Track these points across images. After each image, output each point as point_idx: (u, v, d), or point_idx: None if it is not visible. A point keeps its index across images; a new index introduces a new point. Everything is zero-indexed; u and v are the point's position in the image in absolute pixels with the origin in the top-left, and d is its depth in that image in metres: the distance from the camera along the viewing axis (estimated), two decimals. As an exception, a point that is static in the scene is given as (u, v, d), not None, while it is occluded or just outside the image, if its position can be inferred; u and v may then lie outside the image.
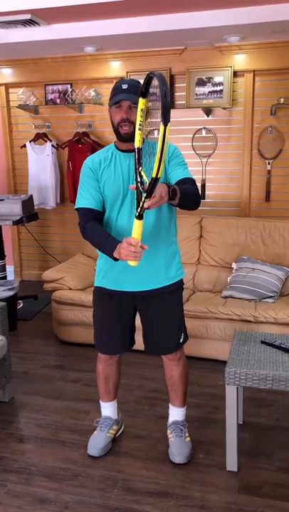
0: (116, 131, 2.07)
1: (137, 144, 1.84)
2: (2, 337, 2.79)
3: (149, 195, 1.75)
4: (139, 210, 1.79)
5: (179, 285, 2.28)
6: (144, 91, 1.80)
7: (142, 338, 2.33)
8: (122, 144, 2.11)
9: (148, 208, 1.78)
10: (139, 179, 1.82)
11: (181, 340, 2.32)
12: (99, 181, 2.14)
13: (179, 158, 2.16)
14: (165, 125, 1.63)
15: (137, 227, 1.82)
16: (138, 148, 1.84)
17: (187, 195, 1.97)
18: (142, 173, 1.82)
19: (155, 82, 1.72)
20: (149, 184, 1.73)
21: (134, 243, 1.82)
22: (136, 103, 1.91)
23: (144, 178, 1.80)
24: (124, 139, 2.05)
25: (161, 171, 1.68)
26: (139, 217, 1.80)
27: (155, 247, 2.12)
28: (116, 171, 2.12)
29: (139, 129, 1.84)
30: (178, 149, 2.19)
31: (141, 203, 1.78)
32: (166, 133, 1.64)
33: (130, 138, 1.98)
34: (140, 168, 1.83)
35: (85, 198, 2.14)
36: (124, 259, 1.88)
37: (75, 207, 2.18)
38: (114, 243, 1.95)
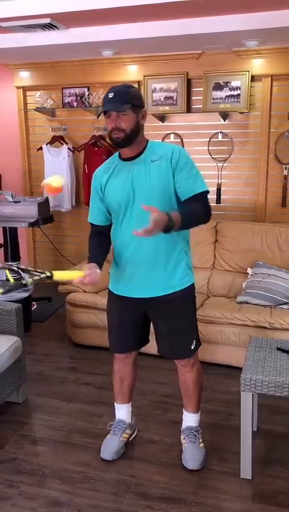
0: (110, 138, 2.10)
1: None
2: (17, 338, 2.81)
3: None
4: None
5: (186, 293, 2.22)
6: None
7: (155, 340, 2.35)
8: (122, 150, 2.14)
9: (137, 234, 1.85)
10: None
11: (192, 347, 2.29)
12: (103, 196, 2.20)
13: (186, 167, 2.07)
14: None
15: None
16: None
17: (190, 222, 2.04)
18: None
19: None
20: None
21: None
22: (124, 110, 1.99)
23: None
24: (116, 144, 2.08)
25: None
26: None
27: (156, 255, 2.14)
28: (116, 182, 2.14)
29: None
30: (186, 154, 2.10)
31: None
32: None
33: (122, 143, 2.06)
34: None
35: (91, 213, 2.31)
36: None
37: (88, 219, 2.35)
38: (91, 260, 2.19)
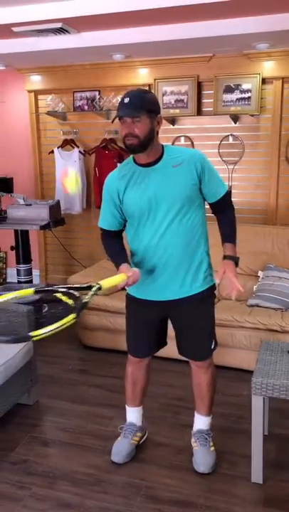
0: (124, 143, 2.08)
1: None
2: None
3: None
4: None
5: (208, 293, 2.27)
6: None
7: (175, 341, 2.36)
8: (137, 156, 2.12)
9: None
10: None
11: (212, 347, 2.33)
12: (119, 203, 2.19)
13: (210, 170, 2.16)
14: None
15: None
16: None
17: (234, 234, 2.26)
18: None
19: None
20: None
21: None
22: (139, 116, 1.98)
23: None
24: (131, 150, 2.07)
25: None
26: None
27: (182, 257, 2.15)
28: (136, 188, 2.13)
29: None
30: (206, 157, 2.17)
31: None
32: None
33: (136, 149, 2.05)
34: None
35: (104, 219, 2.29)
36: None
37: (98, 224, 2.32)
38: (120, 262, 2.17)
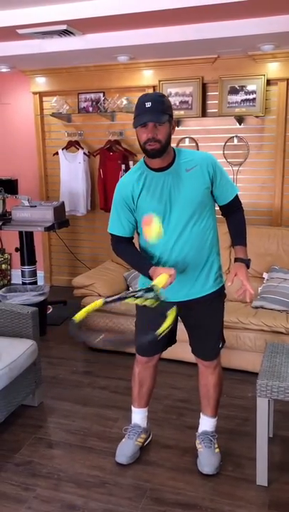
0: (143, 149, 2.05)
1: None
2: (33, 342, 2.83)
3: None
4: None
5: (219, 293, 2.29)
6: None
7: (188, 340, 2.38)
8: (152, 161, 2.09)
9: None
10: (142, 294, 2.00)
11: (220, 346, 2.35)
12: (132, 209, 2.16)
13: (222, 173, 2.17)
14: None
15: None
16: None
17: (244, 235, 2.27)
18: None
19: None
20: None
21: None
22: (164, 122, 1.97)
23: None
24: (152, 155, 2.03)
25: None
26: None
27: (197, 259, 2.17)
28: (151, 193, 2.11)
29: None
30: (217, 161, 2.17)
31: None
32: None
33: (157, 154, 2.02)
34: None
35: (115, 225, 2.23)
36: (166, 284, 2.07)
37: (108, 229, 2.28)
38: (148, 267, 2.12)
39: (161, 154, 2.03)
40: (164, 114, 1.97)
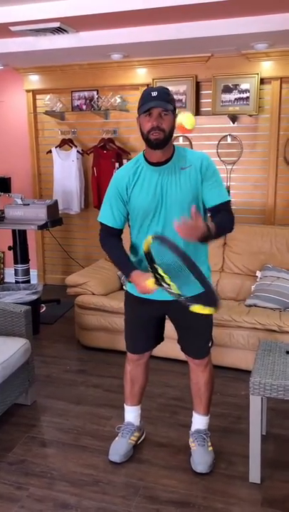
0: (146, 139, 2.04)
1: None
2: (26, 340, 2.82)
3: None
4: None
5: None
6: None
7: (177, 338, 2.37)
8: (152, 154, 2.08)
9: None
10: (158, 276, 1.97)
11: (209, 344, 2.34)
12: (125, 201, 2.16)
13: (215, 175, 2.13)
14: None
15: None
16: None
17: (222, 232, 2.11)
18: (169, 282, 1.96)
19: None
20: (173, 294, 1.94)
21: (150, 292, 2.05)
22: (167, 110, 1.96)
23: (172, 287, 1.95)
24: (155, 145, 2.02)
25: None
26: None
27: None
28: (145, 187, 2.11)
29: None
30: (213, 163, 2.15)
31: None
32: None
33: (160, 144, 2.01)
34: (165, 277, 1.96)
35: (107, 215, 2.22)
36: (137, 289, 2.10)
37: (98, 218, 2.26)
38: (131, 269, 2.13)
39: (163, 145, 2.02)
40: (170, 103, 1.98)
